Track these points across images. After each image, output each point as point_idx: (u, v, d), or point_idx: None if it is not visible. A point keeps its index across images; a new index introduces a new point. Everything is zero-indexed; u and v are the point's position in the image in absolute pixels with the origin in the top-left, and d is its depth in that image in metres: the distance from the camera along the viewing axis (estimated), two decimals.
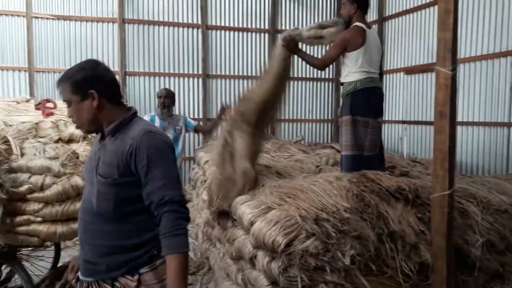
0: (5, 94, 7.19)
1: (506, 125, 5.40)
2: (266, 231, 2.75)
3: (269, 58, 3.77)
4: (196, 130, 5.49)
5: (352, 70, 3.71)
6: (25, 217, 2.78)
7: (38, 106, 6.37)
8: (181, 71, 8.21)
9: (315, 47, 5.75)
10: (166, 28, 8.04)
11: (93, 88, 1.81)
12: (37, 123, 5.77)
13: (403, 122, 7.15)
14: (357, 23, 3.76)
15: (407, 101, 7.07)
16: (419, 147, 6.88)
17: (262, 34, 8.54)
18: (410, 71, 7.08)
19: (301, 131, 8.87)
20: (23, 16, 7.27)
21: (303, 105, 8.86)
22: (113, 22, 7.74)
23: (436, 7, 6.36)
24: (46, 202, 2.80)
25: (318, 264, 2.53)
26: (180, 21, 8.09)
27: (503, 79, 5.44)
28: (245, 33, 8.44)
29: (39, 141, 3.22)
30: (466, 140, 5.87)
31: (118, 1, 7.68)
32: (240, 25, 8.40)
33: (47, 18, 7.44)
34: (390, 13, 7.54)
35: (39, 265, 3.83)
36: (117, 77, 7.80)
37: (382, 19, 7.65)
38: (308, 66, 8.55)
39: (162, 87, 8.08)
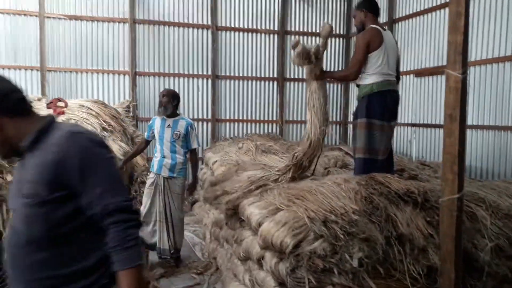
0: None
1: None
2: (274, 232, 2.76)
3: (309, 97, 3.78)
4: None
5: (369, 72, 3.68)
6: None
7: (49, 105, 6.48)
8: (190, 72, 8.26)
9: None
10: (176, 28, 8.09)
11: None
12: None
13: (412, 125, 7.12)
14: (371, 25, 3.75)
15: (417, 104, 7.03)
16: (428, 150, 6.84)
17: (272, 35, 8.55)
18: (419, 73, 7.04)
19: None
20: (36, 16, 7.37)
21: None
22: (124, 23, 7.81)
23: (446, 9, 6.33)
24: None
25: (326, 266, 2.54)
26: (190, 22, 8.14)
27: None
28: (254, 34, 8.46)
29: None
30: (476, 143, 5.82)
31: (129, 2, 7.75)
32: (250, 26, 8.42)
33: (59, 18, 7.53)
34: (400, 15, 7.51)
35: None
36: (127, 77, 7.93)
37: (392, 21, 7.63)
38: None
39: (172, 87, 8.14)
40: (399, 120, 7.41)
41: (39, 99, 7.11)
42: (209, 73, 8.31)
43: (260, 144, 6.01)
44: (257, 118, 8.65)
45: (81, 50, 7.68)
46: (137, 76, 7.95)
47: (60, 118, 6.00)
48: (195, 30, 8.19)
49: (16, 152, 1.60)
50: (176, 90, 8.10)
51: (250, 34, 8.44)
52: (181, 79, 8.23)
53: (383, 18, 7.74)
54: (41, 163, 1.50)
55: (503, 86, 5.54)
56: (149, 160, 6.46)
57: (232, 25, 8.35)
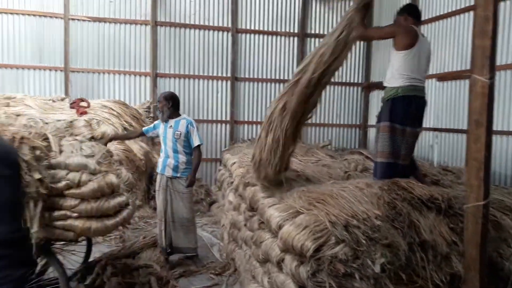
0: (42, 93, 7.47)
1: None
2: (295, 235, 2.76)
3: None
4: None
5: (396, 74, 3.62)
6: (62, 212, 2.88)
7: (72, 105, 6.63)
8: (210, 74, 8.32)
9: None
10: (197, 31, 8.17)
11: None
12: (71, 121, 6.00)
13: (434, 129, 7.00)
14: (411, 25, 3.70)
15: (439, 108, 6.92)
16: (450, 155, 6.72)
17: (291, 38, 8.55)
18: (442, 77, 6.93)
19: (328, 136, 8.83)
20: (61, 18, 7.55)
21: (331, 109, 8.82)
22: (145, 25, 7.93)
23: (470, 13, 6.21)
24: (82, 198, 2.89)
25: (347, 270, 2.52)
26: (211, 24, 8.21)
27: None
28: (274, 37, 8.48)
29: (76, 139, 3.33)
30: (501, 149, 5.70)
31: (151, 4, 7.87)
32: (270, 29, 8.44)
33: (83, 20, 7.69)
34: (423, 18, 7.41)
35: (70, 259, 3.96)
36: (148, 78, 8.04)
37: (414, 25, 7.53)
38: (340, 69, 8.57)
39: (191, 89, 8.24)
40: None
41: (62, 99, 7.28)
42: (229, 75, 8.36)
43: None
44: None
45: (104, 51, 7.82)
46: (157, 78, 8.05)
47: (83, 118, 6.13)
48: (215, 32, 8.25)
49: None
50: (196, 91, 8.24)
51: (270, 36, 8.46)
52: (201, 81, 8.29)
53: None
54: None
55: None
56: None
57: (252, 28, 8.38)
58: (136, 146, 6.77)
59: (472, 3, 6.04)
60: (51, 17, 7.54)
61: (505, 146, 5.68)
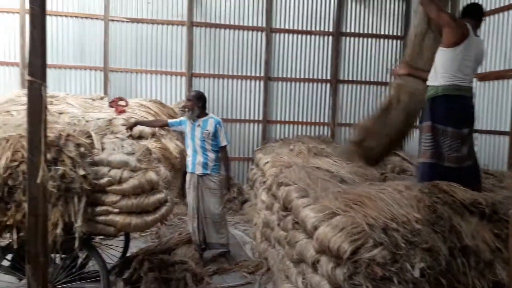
0: (82, 92, 7.74)
1: None
2: (331, 236, 2.74)
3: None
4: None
5: (438, 72, 3.49)
6: (104, 207, 2.99)
7: (111, 104, 6.81)
8: (243, 73, 8.37)
9: None
10: (232, 31, 8.24)
11: None
12: (110, 120, 6.20)
13: (475, 131, 6.76)
14: (465, 23, 3.54)
15: (480, 109, 6.67)
16: (491, 158, 6.47)
17: (326, 37, 8.47)
18: (484, 77, 6.68)
19: None
20: (101, 19, 7.80)
21: (364, 109, 8.67)
22: (182, 25, 8.07)
23: None
24: (123, 194, 3.00)
25: (385, 274, 2.47)
26: (246, 24, 8.26)
27: None
28: (308, 36, 8.43)
29: (117, 137, 3.44)
30: None
31: (188, 5, 8.00)
32: (304, 28, 8.40)
33: (122, 21, 7.92)
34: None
35: (109, 253, 4.09)
36: (184, 78, 8.16)
37: None
38: (373, 68, 8.44)
39: (225, 88, 8.32)
40: None
41: (101, 98, 7.51)
42: (262, 74, 8.38)
43: (312, 147, 5.95)
44: (308, 120, 8.60)
45: (141, 51, 8.02)
46: (192, 78, 8.18)
47: (121, 116, 6.31)
48: (250, 32, 8.29)
49: None
50: (229, 91, 8.32)
51: (304, 35, 8.41)
52: (234, 80, 8.36)
53: None
54: None
55: None
56: None
57: (286, 27, 8.37)
58: (172, 145, 6.88)
59: None
60: (92, 18, 7.80)
61: None
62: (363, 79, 8.62)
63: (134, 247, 4.75)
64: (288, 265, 3.81)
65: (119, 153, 3.13)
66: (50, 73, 7.59)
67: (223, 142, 4.90)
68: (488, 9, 6.61)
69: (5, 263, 3.22)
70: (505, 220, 2.77)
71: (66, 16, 7.71)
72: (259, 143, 8.45)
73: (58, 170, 2.67)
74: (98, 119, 6.06)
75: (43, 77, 1.97)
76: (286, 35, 8.38)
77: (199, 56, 8.18)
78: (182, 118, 5.20)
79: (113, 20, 7.86)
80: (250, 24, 8.28)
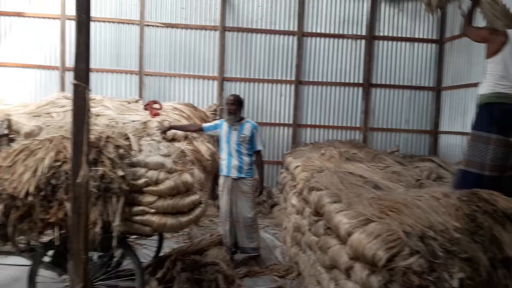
0: (118, 95, 7.98)
1: None
2: (366, 243, 2.70)
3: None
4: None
5: (484, 82, 3.56)
6: (141, 207, 3.07)
7: (146, 107, 7.00)
8: (274, 77, 8.40)
9: None
10: (263, 35, 8.29)
11: None
12: (145, 122, 6.36)
13: None
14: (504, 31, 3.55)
15: None
16: None
17: (358, 41, 8.38)
18: None
19: (395, 141, 8.52)
20: (137, 24, 8.03)
21: (399, 113, 8.51)
22: (215, 30, 8.19)
23: None
24: (159, 195, 3.07)
25: (422, 283, 2.42)
26: (277, 28, 8.29)
27: None
28: (340, 40, 8.36)
29: (154, 139, 3.53)
30: None
31: (221, 10, 8.11)
32: (336, 32, 8.34)
33: (157, 26, 8.12)
34: None
35: (142, 252, 4.19)
36: (215, 82, 8.28)
37: None
38: (406, 73, 8.29)
39: (256, 92, 8.36)
40: None
41: (136, 101, 7.74)
42: (293, 78, 8.38)
43: (344, 151, 5.89)
44: (339, 124, 8.52)
45: (175, 56, 8.20)
46: (224, 81, 8.27)
47: (156, 119, 6.46)
48: (281, 36, 8.31)
49: None
50: (260, 95, 8.37)
51: (336, 39, 8.36)
52: (265, 84, 8.40)
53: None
54: None
55: None
56: None
57: (318, 31, 8.34)
58: (204, 147, 7.00)
59: None
60: (128, 23, 8.04)
61: None
62: (397, 83, 8.46)
63: (166, 247, 4.82)
64: (319, 271, 3.78)
65: (156, 155, 3.21)
66: None
67: (259, 146, 4.94)
68: None
69: (45, 259, 3.35)
70: None
71: (103, 21, 7.98)
72: (289, 146, 8.45)
73: (98, 171, 2.76)
74: (133, 121, 6.26)
75: (87, 81, 2.05)
76: (318, 39, 8.35)
77: (230, 60, 8.28)
78: (216, 121, 5.24)
79: (148, 25, 8.08)
80: (282, 28, 8.30)
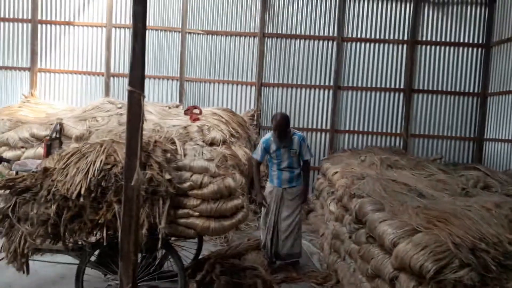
0: (159, 100, 8.21)
1: None
2: (413, 254, 2.63)
3: None
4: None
5: None
6: (185, 210, 3.14)
7: (186, 112, 7.15)
8: (312, 83, 8.37)
9: None
10: (302, 41, 8.29)
11: None
12: (185, 127, 6.50)
13: None
14: None
15: None
16: None
17: (400, 45, 8.21)
18: None
19: (436, 148, 8.26)
20: (179, 31, 8.24)
21: (441, 120, 8.24)
22: (254, 36, 8.28)
23: None
24: (203, 199, 3.13)
25: None
26: (317, 34, 8.27)
27: None
28: (381, 44, 8.22)
29: (198, 144, 3.60)
30: None
31: (260, 17, 8.19)
32: (377, 37, 8.21)
33: (198, 33, 8.30)
34: None
35: (180, 254, 4.26)
36: (253, 87, 8.33)
37: None
38: (450, 78, 8.04)
39: (293, 97, 8.35)
40: None
41: (177, 106, 7.93)
42: (331, 84, 8.31)
43: (385, 158, 5.77)
44: (378, 130, 8.36)
45: (215, 62, 8.36)
46: (262, 87, 8.33)
47: (196, 124, 6.59)
48: (321, 42, 8.28)
49: None
50: (297, 100, 8.37)
51: (377, 44, 8.23)
52: (303, 89, 8.38)
53: None
54: None
55: None
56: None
57: (359, 36, 8.24)
58: (241, 152, 7.06)
59: None
60: (170, 31, 8.26)
61: None
62: (440, 89, 8.21)
63: (204, 249, 4.89)
64: (360, 279, 3.71)
65: (200, 159, 3.27)
66: None
67: (306, 156, 4.88)
68: None
69: (92, 258, 3.48)
70: None
71: (146, 29, 8.21)
72: (326, 152, 8.37)
73: (147, 174, 2.85)
74: (174, 126, 6.42)
75: (141, 88, 2.13)
76: (358, 44, 8.25)
77: (269, 66, 8.33)
78: (262, 144, 4.89)
79: (189, 32, 8.27)
80: (321, 34, 8.27)
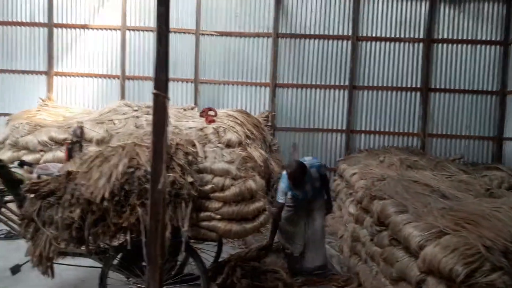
0: (175, 102, 8.23)
1: None
2: (442, 257, 2.57)
3: None
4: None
5: None
6: (207, 213, 3.12)
7: (202, 114, 7.15)
8: (327, 83, 8.31)
9: None
10: (317, 40, 8.24)
11: None
12: (201, 129, 6.49)
13: None
14: None
15: None
16: None
17: (416, 44, 8.10)
18: None
19: (454, 148, 8.13)
20: (193, 33, 8.25)
21: (459, 119, 8.12)
22: (268, 37, 8.26)
23: None
24: (224, 201, 3.11)
25: None
26: (331, 33, 8.21)
27: None
28: (397, 43, 8.13)
29: (217, 146, 3.59)
30: None
31: (274, 17, 8.16)
32: (393, 35, 8.12)
33: (211, 35, 8.30)
34: None
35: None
36: (268, 88, 8.29)
37: None
38: (468, 76, 7.92)
39: (308, 98, 8.30)
40: None
41: (192, 108, 7.94)
42: (346, 83, 8.24)
43: (404, 159, 5.69)
44: (395, 130, 8.27)
45: (229, 63, 8.35)
46: (276, 88, 8.29)
47: (211, 126, 6.58)
48: (335, 41, 8.23)
49: None
50: (312, 100, 8.31)
51: (392, 43, 8.15)
52: (318, 90, 8.33)
53: None
54: None
55: None
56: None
57: (374, 35, 8.16)
58: (257, 153, 7.03)
59: None
60: (184, 33, 8.28)
61: None
62: (457, 88, 8.09)
63: (223, 252, 4.87)
64: (383, 282, 3.65)
65: (221, 162, 3.26)
66: (146, 85, 8.25)
67: (323, 172, 4.82)
68: None
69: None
70: None
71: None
72: (342, 153, 8.30)
73: (169, 177, 2.84)
74: (190, 128, 6.42)
75: (166, 91, 2.12)
76: (373, 42, 8.17)
77: (283, 66, 8.30)
78: (282, 186, 4.60)
79: (203, 34, 8.28)
80: (336, 33, 8.21)
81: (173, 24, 8.26)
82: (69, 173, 3.07)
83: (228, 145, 6.39)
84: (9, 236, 5.19)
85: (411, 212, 3.47)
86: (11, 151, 6.81)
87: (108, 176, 2.94)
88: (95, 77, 8.44)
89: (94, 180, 2.97)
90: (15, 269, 3.87)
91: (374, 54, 8.19)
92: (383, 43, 8.15)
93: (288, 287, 4.03)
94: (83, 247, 3.24)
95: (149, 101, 8.04)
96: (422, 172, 4.81)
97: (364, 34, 8.16)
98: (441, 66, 8.10)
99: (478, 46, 8.05)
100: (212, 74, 8.37)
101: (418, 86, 8.14)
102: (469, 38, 8.04)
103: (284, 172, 4.65)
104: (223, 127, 6.58)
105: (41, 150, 6.73)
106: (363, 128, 8.33)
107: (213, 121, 6.79)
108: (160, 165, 2.07)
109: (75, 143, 4.50)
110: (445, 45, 8.08)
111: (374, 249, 4.04)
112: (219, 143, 5.58)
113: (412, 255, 3.08)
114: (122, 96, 8.26)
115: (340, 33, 8.20)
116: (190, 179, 2.93)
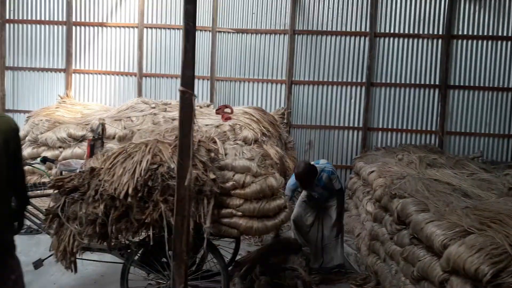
0: None
1: None
2: (467, 257, 2.54)
3: None
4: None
5: None
6: (228, 210, 3.14)
7: (218, 111, 7.16)
8: (344, 80, 8.24)
9: None
10: (334, 37, 8.17)
11: None
12: (217, 126, 6.51)
13: None
14: None
15: None
16: None
17: (435, 40, 7.98)
18: None
19: (474, 146, 8.00)
20: (209, 30, 8.27)
21: (479, 116, 7.97)
22: (284, 34, 8.22)
23: None
24: (245, 198, 3.12)
25: None
26: (348, 29, 8.13)
27: None
28: (415, 40, 8.01)
29: (238, 143, 3.59)
30: None
31: (291, 14, 8.12)
32: (411, 32, 8.01)
33: (228, 32, 8.31)
34: None
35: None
36: (284, 85, 8.21)
37: None
38: (488, 73, 7.78)
39: (324, 95, 8.25)
40: None
41: (208, 105, 7.96)
42: (364, 80, 8.17)
43: (424, 157, 5.61)
44: (413, 128, 8.16)
45: (245, 60, 8.33)
46: (293, 85, 8.26)
47: (227, 123, 6.60)
48: (352, 38, 8.14)
49: None
50: (329, 98, 8.26)
51: (411, 39, 8.02)
52: (334, 87, 8.26)
53: None
54: None
55: None
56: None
57: (392, 31, 8.05)
58: (273, 151, 7.03)
59: None
60: (200, 30, 8.29)
61: None
62: (477, 85, 7.95)
63: (241, 249, 4.89)
64: (404, 282, 3.62)
65: (242, 159, 3.27)
66: (163, 82, 8.29)
67: (337, 187, 4.75)
68: None
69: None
70: None
71: (178, 28, 8.30)
72: (358, 151, 8.23)
73: (192, 174, 2.86)
74: (207, 125, 6.44)
75: (193, 88, 2.13)
76: (391, 39, 8.06)
77: (300, 63, 8.25)
78: (290, 185, 4.66)
79: (219, 31, 8.29)
80: (353, 30, 8.13)
81: None
82: (92, 169, 3.11)
83: (244, 142, 6.41)
84: (29, 231, 5.30)
85: (433, 211, 3.44)
86: (31, 147, 6.95)
87: (131, 173, 2.97)
88: (113, 74, 8.52)
89: (118, 177, 3.00)
90: (38, 264, 3.96)
91: (392, 50, 8.07)
92: (401, 39, 8.03)
93: (306, 285, 4.03)
94: (105, 243, 3.29)
95: (166, 99, 8.14)
96: (442, 170, 4.75)
97: (382, 31, 8.05)
98: (461, 63, 7.96)
99: (499, 42, 7.88)
100: (228, 72, 8.37)
101: (437, 83, 8.01)
102: (490, 34, 7.88)
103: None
104: (239, 125, 6.59)
105: (60, 147, 6.84)
106: (380, 126, 8.24)
107: (230, 118, 6.79)
108: (187, 162, 2.08)
109: (97, 139, 4.55)
110: (464, 41, 7.93)
111: (393, 248, 4.02)
112: (235, 140, 5.59)
113: (434, 254, 3.05)
114: (139, 94, 8.33)
115: (358, 30, 8.10)
116: (212, 176, 2.95)
